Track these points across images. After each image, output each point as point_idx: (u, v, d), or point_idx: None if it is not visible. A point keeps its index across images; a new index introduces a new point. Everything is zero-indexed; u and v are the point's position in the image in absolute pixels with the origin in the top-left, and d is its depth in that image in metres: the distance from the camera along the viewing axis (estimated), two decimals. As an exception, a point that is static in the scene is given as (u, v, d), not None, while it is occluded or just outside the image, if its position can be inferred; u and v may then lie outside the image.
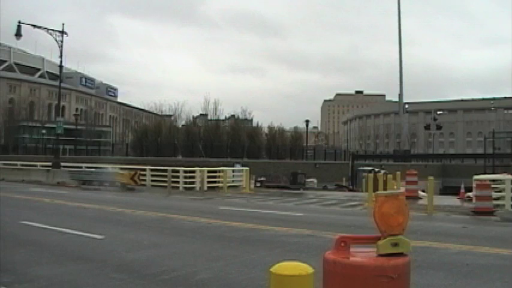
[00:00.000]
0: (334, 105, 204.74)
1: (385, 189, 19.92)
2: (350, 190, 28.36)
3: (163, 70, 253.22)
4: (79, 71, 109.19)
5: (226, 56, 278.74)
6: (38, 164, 33.03)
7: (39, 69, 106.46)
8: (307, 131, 54.29)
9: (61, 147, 42.89)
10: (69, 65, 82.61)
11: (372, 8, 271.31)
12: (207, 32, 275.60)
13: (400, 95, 56.00)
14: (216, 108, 52.56)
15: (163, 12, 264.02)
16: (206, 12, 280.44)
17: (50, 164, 31.14)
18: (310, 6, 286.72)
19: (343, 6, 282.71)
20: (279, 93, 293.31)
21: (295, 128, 56.68)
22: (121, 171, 25.27)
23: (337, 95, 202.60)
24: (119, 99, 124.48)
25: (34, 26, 30.31)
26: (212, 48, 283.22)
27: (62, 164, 31.54)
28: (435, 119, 65.95)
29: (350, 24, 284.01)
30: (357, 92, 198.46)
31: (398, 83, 54.96)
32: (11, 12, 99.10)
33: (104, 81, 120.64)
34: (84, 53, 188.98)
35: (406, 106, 62.37)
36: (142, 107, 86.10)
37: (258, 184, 27.23)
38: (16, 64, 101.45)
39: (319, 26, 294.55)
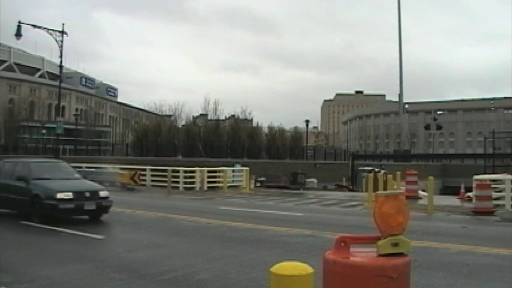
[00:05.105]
0: (334, 105, 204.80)
1: (385, 189, 19.92)
2: (350, 190, 28.36)
3: (155, 68, 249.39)
4: (79, 71, 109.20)
5: (218, 54, 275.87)
6: (38, 164, 32.97)
7: (39, 69, 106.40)
8: (307, 131, 54.25)
9: (61, 147, 42.90)
10: (69, 65, 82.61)
11: (365, 4, 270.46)
12: (197, 29, 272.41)
13: (400, 95, 56.09)
14: (216, 108, 52.57)
15: (151, 9, 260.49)
16: (195, 8, 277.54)
17: (50, 164, 31.09)
18: (301, 1, 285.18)
19: (335, 2, 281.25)
20: (276, 92, 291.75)
21: (295, 128, 56.66)
22: (121, 171, 25.26)
23: (337, 95, 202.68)
24: (119, 99, 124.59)
25: (34, 26, 30.30)
26: (204, 46, 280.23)
27: (62, 164, 31.50)
28: (435, 119, 65.97)
29: (343, 20, 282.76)
30: (357, 92, 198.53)
31: (398, 82, 55.15)
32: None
33: (104, 81, 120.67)
34: (75, 51, 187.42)
35: (406, 106, 62.45)
36: (142, 107, 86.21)
37: (258, 184, 27.23)
38: (16, 64, 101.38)
39: (312, 22, 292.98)
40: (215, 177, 24.60)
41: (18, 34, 30.02)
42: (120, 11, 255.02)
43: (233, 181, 25.22)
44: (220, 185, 24.16)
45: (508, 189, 14.96)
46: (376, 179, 20.52)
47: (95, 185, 12.79)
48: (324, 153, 53.54)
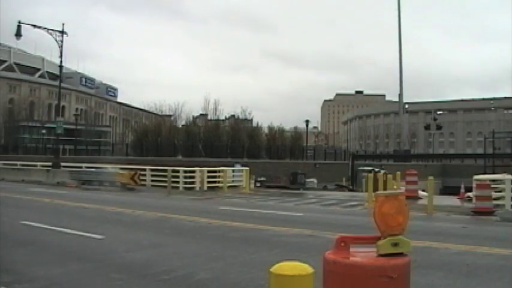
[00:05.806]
0: (334, 105, 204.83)
1: (385, 189, 19.90)
2: (350, 190, 28.36)
3: (154, 68, 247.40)
4: (79, 71, 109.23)
5: (218, 54, 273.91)
6: (38, 164, 33.02)
7: (39, 69, 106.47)
8: (307, 131, 54.30)
9: (61, 147, 42.88)
10: (69, 65, 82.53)
11: (365, 3, 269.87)
12: (196, 29, 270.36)
13: (400, 95, 56.11)
14: (216, 108, 52.75)
15: (151, 8, 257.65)
16: (194, 7, 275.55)
17: (50, 164, 31.13)
18: (301, 1, 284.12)
19: (335, 2, 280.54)
20: (276, 92, 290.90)
21: (295, 128, 56.78)
22: (121, 171, 25.27)
23: (337, 95, 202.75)
24: (119, 99, 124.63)
25: (34, 26, 30.31)
26: (203, 46, 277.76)
27: (62, 164, 31.53)
28: (435, 119, 65.97)
29: (344, 20, 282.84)
30: (357, 92, 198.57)
31: (398, 82, 55.19)
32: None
33: (104, 81, 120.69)
34: (75, 51, 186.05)
35: (406, 106, 62.53)
36: (142, 107, 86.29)
37: (258, 184, 27.23)
38: (16, 64, 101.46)
39: (312, 22, 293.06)
40: (215, 177, 24.59)
41: (18, 34, 30.03)
42: (119, 11, 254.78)
43: (233, 181, 25.22)
44: (220, 185, 24.15)
45: (508, 189, 14.95)
46: (376, 179, 20.49)
47: None
48: (324, 153, 53.58)
